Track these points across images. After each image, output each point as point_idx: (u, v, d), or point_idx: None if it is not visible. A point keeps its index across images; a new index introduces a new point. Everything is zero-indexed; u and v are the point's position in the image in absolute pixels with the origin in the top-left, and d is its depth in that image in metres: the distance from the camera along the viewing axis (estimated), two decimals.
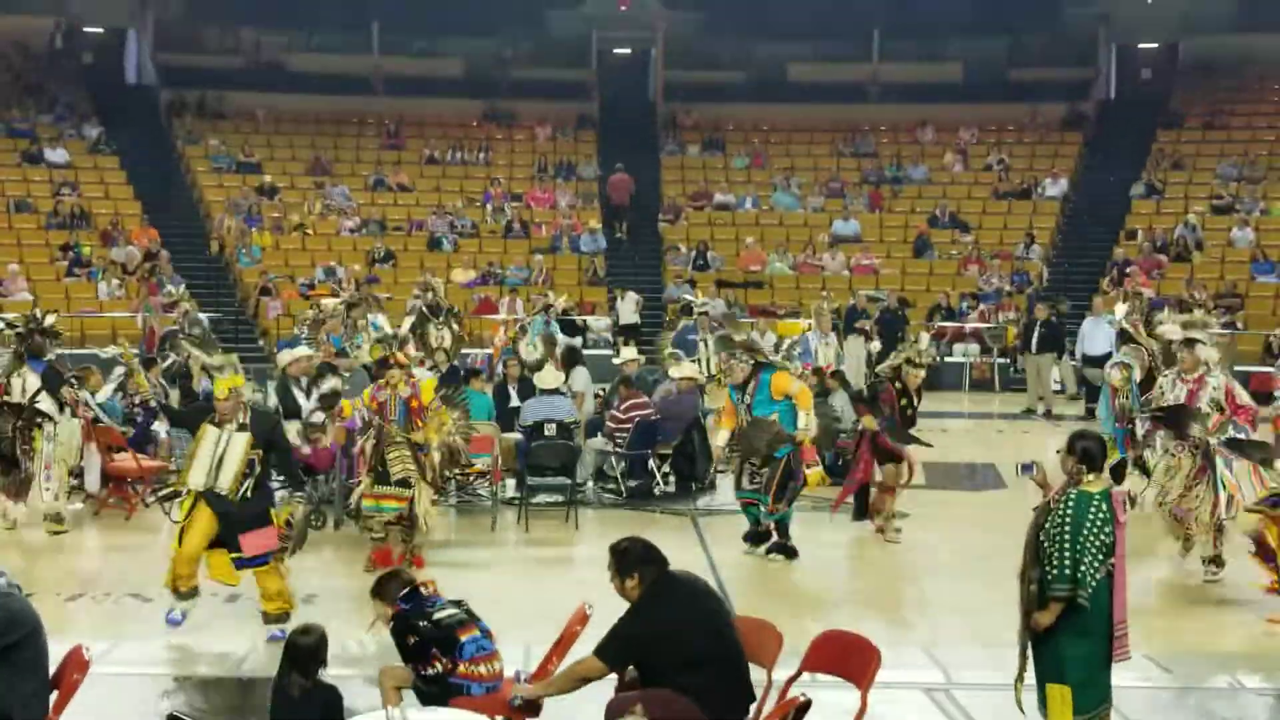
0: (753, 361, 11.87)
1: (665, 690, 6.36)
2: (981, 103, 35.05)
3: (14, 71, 34.01)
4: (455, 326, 18.71)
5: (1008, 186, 32.26)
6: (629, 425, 14.18)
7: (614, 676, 6.59)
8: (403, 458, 10.90)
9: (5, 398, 12.65)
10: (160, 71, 35.13)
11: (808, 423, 11.58)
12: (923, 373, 12.60)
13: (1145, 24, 35.84)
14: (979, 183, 32.81)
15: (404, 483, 10.91)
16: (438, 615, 6.68)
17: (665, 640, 6.39)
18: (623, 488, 14.33)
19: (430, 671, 6.63)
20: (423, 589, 6.85)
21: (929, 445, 13.09)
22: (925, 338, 13.12)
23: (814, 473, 11.75)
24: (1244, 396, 11.08)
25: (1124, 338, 15.62)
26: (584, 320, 26.08)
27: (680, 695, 6.32)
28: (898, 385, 12.40)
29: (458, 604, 6.85)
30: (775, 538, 11.78)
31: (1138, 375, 13.51)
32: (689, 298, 20.13)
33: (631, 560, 6.59)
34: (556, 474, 13.36)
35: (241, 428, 9.21)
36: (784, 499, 11.61)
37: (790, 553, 11.73)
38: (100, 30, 35.97)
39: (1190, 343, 11.27)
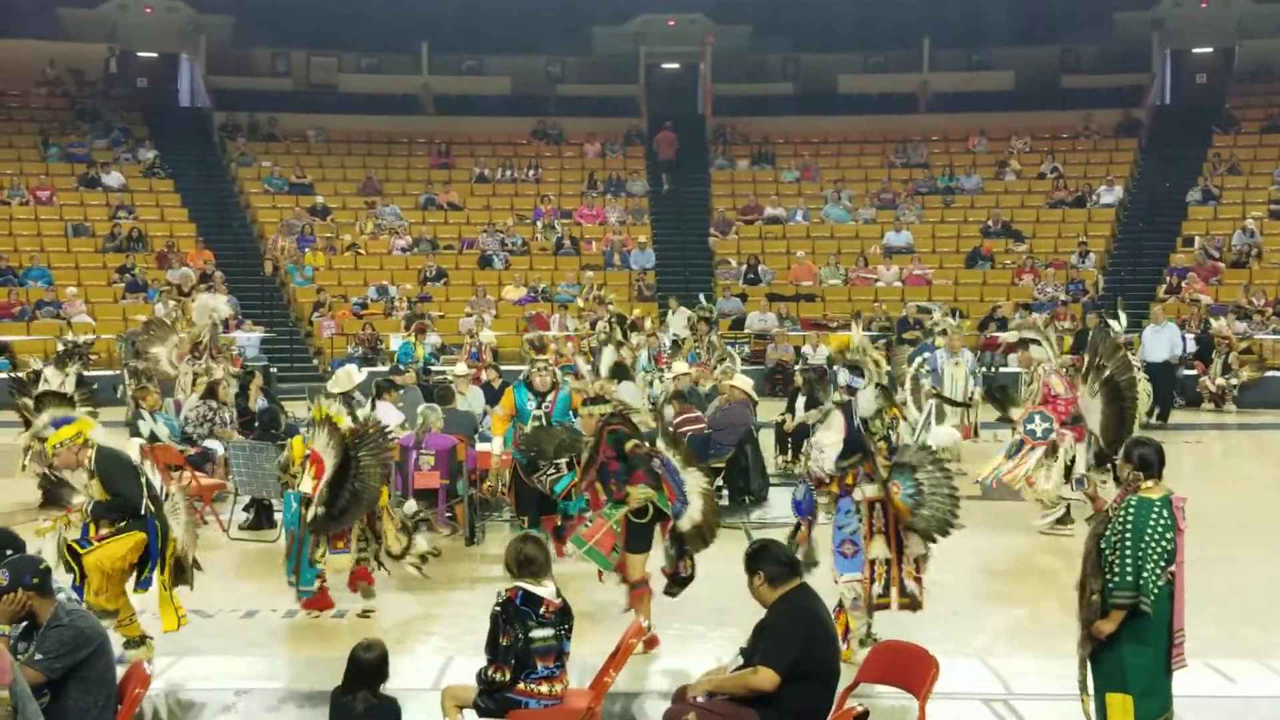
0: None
1: (723, 701, 6.34)
2: (1034, 110, 34.82)
3: (70, 97, 34.54)
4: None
5: (1062, 195, 32.02)
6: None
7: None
8: None
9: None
10: (212, 95, 35.52)
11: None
12: (597, 411, 9.87)
13: (1199, 29, 35.52)
14: (1033, 191, 32.60)
15: None
16: (535, 633, 6.68)
17: (810, 648, 6.36)
18: None
19: (495, 675, 6.67)
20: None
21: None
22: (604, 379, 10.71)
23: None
24: (1058, 388, 12.75)
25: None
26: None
27: (744, 708, 6.30)
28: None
29: (564, 620, 6.83)
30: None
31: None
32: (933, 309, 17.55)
33: (756, 559, 6.59)
34: None
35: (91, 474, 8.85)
36: None
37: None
38: (153, 55, 36.46)
39: (1025, 342, 13.02)
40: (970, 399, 16.99)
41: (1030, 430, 12.83)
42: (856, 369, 12.95)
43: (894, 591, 8.53)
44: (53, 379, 15.35)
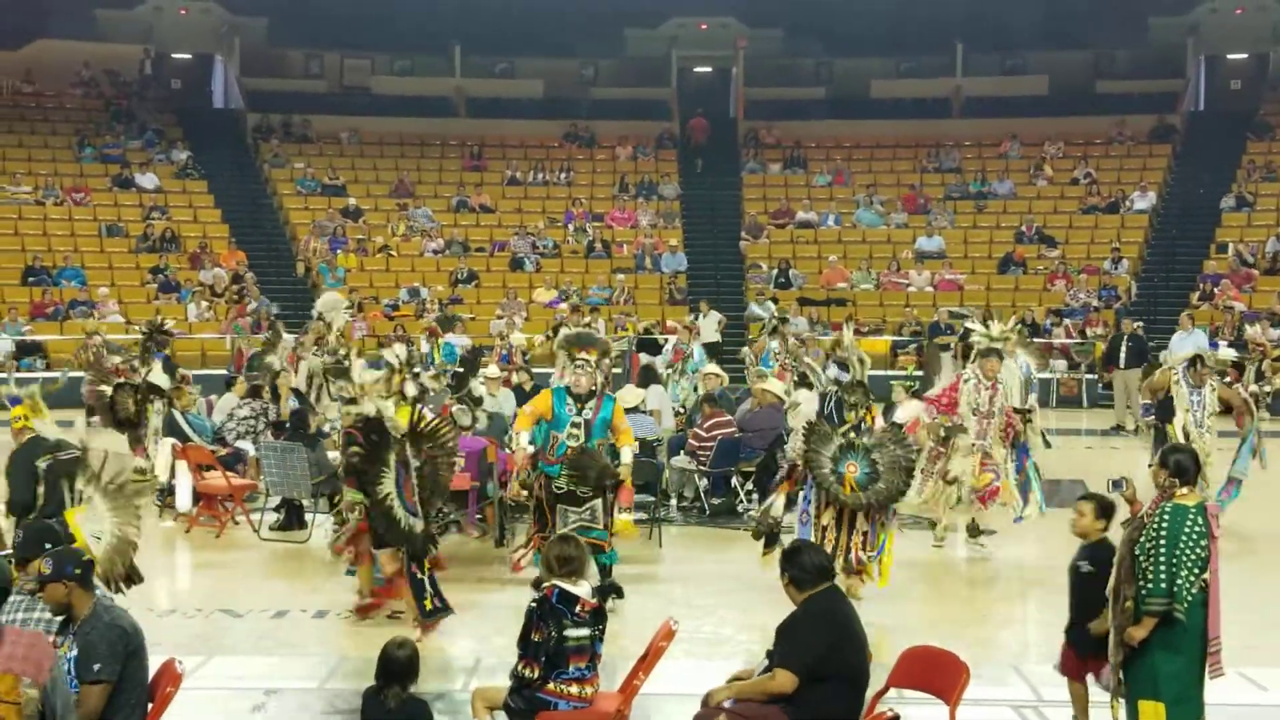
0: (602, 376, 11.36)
1: (752, 705, 6.33)
2: (1067, 116, 34.59)
3: (105, 98, 34.75)
4: None
5: (1095, 200, 31.83)
6: (712, 444, 14.14)
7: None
8: None
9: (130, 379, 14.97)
10: (246, 96, 35.68)
11: (631, 459, 10.82)
12: (351, 412, 10.03)
13: (1234, 34, 35.25)
14: (1065, 197, 32.40)
15: None
16: (570, 631, 6.71)
17: (833, 650, 6.35)
18: (706, 505, 14.29)
19: (525, 671, 6.70)
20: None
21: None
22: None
23: (623, 520, 10.79)
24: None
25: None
26: (666, 339, 26.00)
27: (772, 710, 6.28)
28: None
29: (598, 621, 6.86)
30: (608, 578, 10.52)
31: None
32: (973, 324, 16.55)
33: (786, 561, 6.61)
34: (639, 491, 13.30)
35: None
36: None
37: (620, 591, 10.58)
38: (188, 57, 36.70)
39: (994, 352, 12.69)
40: (1029, 408, 16.14)
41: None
42: (843, 364, 13.42)
43: (839, 559, 9.68)
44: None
